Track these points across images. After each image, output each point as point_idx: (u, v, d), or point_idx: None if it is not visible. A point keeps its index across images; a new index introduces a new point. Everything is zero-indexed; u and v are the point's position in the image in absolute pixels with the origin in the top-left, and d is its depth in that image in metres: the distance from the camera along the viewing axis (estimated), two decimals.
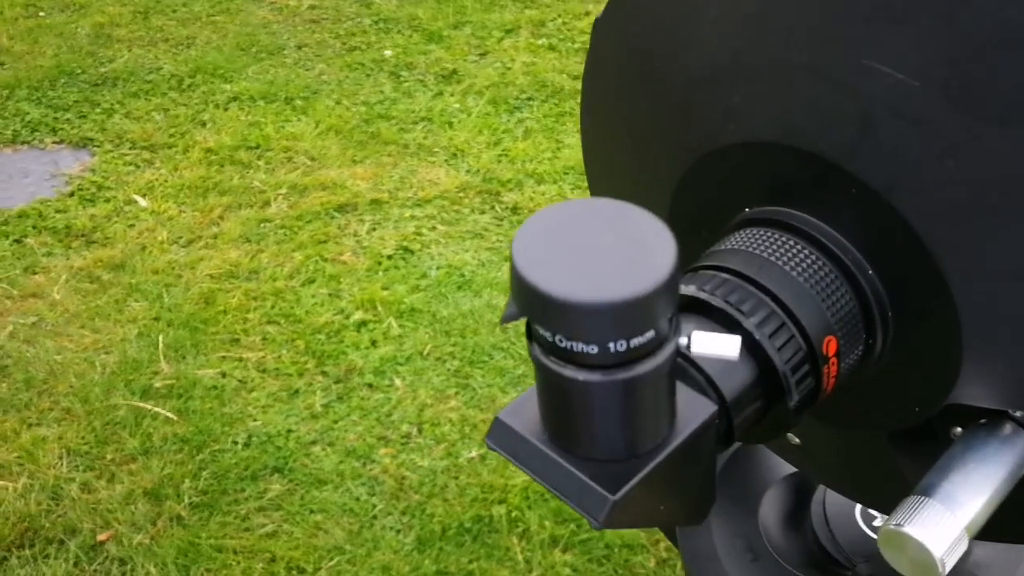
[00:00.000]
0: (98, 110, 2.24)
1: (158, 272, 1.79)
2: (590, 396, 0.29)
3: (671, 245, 0.28)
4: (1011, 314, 0.33)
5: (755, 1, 0.35)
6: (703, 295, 0.35)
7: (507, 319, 0.30)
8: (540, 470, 0.31)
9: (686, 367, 0.34)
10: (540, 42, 2.45)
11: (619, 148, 0.45)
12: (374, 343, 1.64)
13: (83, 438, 1.49)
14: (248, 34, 2.44)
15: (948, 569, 0.35)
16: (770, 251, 0.36)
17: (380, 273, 1.78)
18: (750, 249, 0.36)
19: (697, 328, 0.35)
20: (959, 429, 0.39)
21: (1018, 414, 0.37)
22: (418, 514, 1.40)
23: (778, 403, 0.35)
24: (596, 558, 1.32)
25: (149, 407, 1.55)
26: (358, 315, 1.70)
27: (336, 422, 1.54)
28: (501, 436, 0.32)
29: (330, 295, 1.74)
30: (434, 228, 1.88)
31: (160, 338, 1.66)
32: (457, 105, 2.20)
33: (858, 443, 0.45)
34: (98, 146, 2.12)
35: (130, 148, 2.11)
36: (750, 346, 0.34)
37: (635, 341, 0.28)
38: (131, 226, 1.90)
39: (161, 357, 1.63)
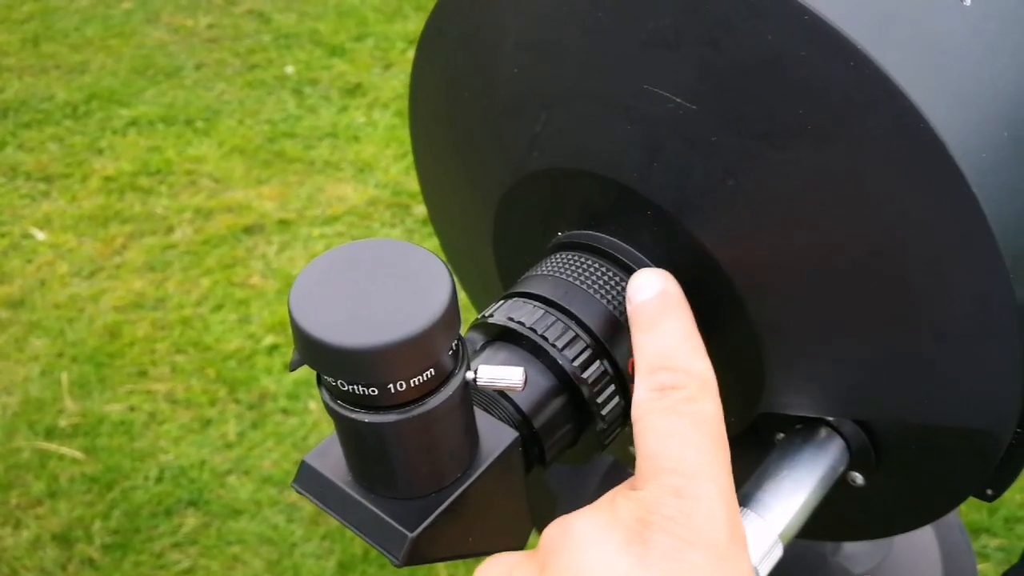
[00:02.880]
0: None
1: (59, 307, 1.74)
2: (379, 436, 0.29)
3: (446, 284, 0.28)
4: (801, 326, 0.34)
5: (545, 30, 0.36)
6: (512, 324, 0.35)
7: (294, 365, 0.30)
8: (343, 512, 0.31)
9: (497, 398, 0.34)
10: None
11: (446, 173, 0.45)
12: (287, 367, 1.62)
13: None
14: (144, 56, 2.39)
15: (766, 574, 0.36)
16: (576, 275, 0.36)
17: None
18: (558, 275, 0.36)
19: (508, 357, 0.36)
20: (781, 435, 0.40)
21: (830, 419, 0.38)
22: (338, 538, 1.38)
23: (588, 425, 0.36)
24: None
25: (54, 447, 1.50)
26: (269, 339, 1.67)
27: (251, 450, 1.51)
28: (307, 480, 0.32)
29: (240, 320, 1.71)
30: None
31: (64, 375, 1.61)
32: (363, 119, 2.19)
33: None
34: None
35: (25, 180, 2.04)
36: (558, 373, 0.35)
37: (415, 380, 0.28)
38: (29, 261, 1.84)
39: (66, 395, 1.58)
